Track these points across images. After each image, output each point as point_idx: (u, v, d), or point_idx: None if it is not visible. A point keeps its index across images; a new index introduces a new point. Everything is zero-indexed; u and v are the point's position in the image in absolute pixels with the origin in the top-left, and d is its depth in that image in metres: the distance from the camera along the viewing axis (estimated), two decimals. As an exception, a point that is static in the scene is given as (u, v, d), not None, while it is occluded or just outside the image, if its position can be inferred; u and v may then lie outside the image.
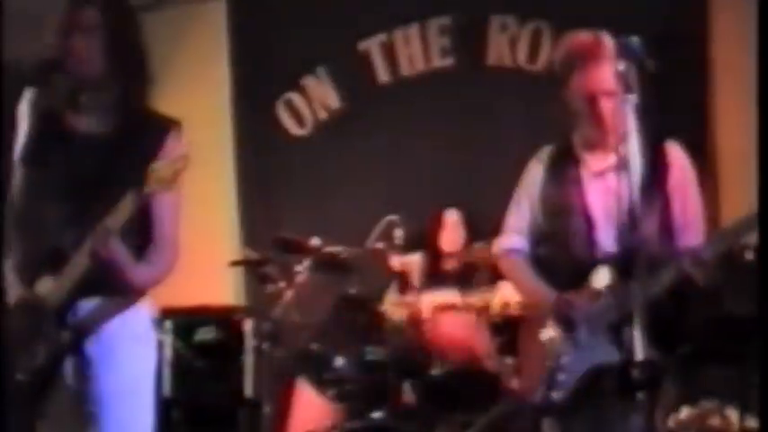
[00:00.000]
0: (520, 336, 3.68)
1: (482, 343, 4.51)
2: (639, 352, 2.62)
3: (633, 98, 3.19)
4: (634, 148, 3.42)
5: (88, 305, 3.09)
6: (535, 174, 3.71)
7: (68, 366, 3.09)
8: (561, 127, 3.66)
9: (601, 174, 3.55)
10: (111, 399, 3.08)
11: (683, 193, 3.57)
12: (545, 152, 3.75)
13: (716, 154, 5.44)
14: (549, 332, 3.47)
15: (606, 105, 3.46)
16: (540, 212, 3.67)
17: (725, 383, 5.07)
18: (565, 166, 3.64)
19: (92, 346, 3.09)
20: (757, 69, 3.41)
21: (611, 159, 3.46)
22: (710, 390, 5.00)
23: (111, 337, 3.11)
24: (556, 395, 3.40)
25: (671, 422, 4.88)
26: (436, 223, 5.30)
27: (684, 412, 4.97)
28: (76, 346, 3.07)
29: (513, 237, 3.74)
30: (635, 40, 3.18)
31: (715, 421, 4.97)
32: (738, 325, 4.91)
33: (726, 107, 5.44)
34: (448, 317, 4.61)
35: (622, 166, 3.38)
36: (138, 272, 3.09)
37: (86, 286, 3.04)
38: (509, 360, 4.47)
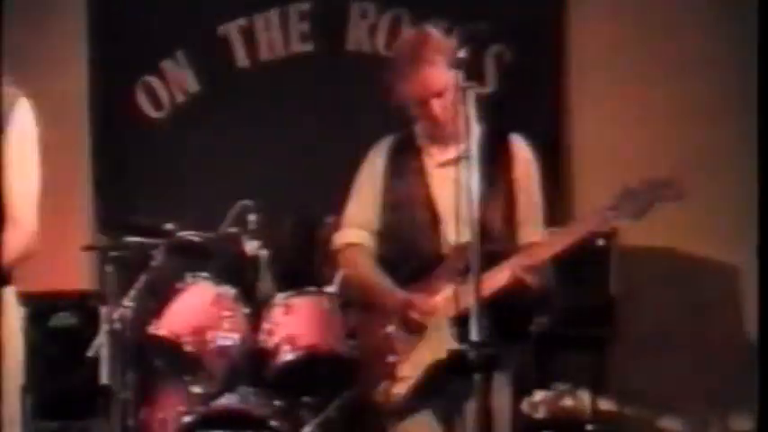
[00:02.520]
0: (359, 330, 3.64)
1: (333, 327, 4.53)
2: (475, 334, 2.65)
3: (475, 87, 3.14)
4: (477, 140, 3.32)
5: None
6: (376, 165, 3.62)
7: None
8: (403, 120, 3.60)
9: (444, 165, 3.49)
10: None
11: (526, 186, 3.52)
12: (386, 142, 3.67)
13: (571, 145, 5.56)
14: (391, 327, 3.44)
15: (438, 105, 3.41)
16: (382, 206, 3.58)
17: (578, 367, 5.20)
18: (407, 157, 3.57)
19: None
20: (758, 69, 3.47)
21: (454, 151, 3.41)
22: (564, 373, 5.14)
23: None
24: (398, 391, 3.38)
25: (525, 405, 5.01)
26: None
27: (538, 395, 5.09)
28: None
29: (353, 231, 3.65)
30: (482, 26, 3.16)
31: (568, 403, 5.09)
32: (592, 311, 5.04)
33: (581, 97, 5.55)
34: (300, 302, 4.62)
35: (465, 157, 3.25)
36: None
37: None
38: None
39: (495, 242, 3.28)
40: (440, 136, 3.49)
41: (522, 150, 3.57)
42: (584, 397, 5.14)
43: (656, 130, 5.39)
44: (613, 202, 3.26)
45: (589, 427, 5.01)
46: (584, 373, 5.19)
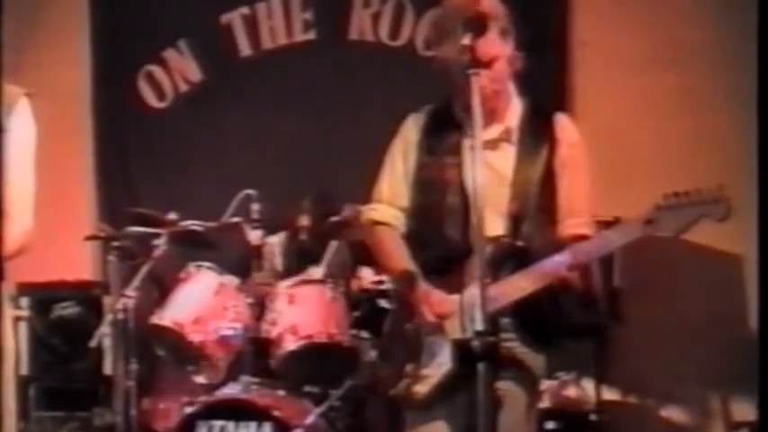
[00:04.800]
0: (389, 323, 3.36)
1: (337, 316, 4.52)
2: (479, 323, 2.62)
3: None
4: (519, 120, 3.20)
5: None
6: (411, 137, 3.32)
7: None
8: (440, 93, 3.30)
9: (483, 146, 2.99)
10: None
11: (571, 172, 3.21)
12: (422, 113, 3.35)
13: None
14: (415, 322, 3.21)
15: (487, 75, 3.03)
16: (413, 183, 3.29)
17: (582, 357, 5.19)
18: (444, 131, 3.26)
19: None
20: (758, 69, 3.40)
21: (494, 131, 3.16)
22: (567, 363, 5.12)
23: None
24: (419, 389, 3.17)
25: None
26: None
27: (542, 385, 5.07)
28: None
29: (384, 208, 3.36)
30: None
31: (571, 392, 5.08)
32: (596, 299, 5.03)
33: (585, 85, 5.53)
34: (304, 291, 4.61)
35: (506, 138, 3.16)
36: None
37: None
38: (364, 334, 4.50)
39: (531, 236, 3.05)
40: (481, 111, 2.92)
41: (568, 132, 3.25)
42: (588, 386, 5.13)
43: (658, 113, 5.38)
44: (651, 215, 2.95)
45: (592, 416, 5.00)
46: (588, 363, 5.18)
